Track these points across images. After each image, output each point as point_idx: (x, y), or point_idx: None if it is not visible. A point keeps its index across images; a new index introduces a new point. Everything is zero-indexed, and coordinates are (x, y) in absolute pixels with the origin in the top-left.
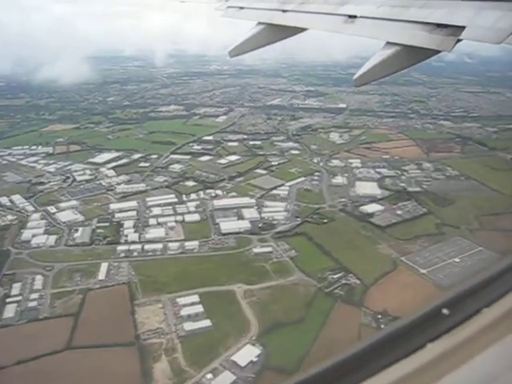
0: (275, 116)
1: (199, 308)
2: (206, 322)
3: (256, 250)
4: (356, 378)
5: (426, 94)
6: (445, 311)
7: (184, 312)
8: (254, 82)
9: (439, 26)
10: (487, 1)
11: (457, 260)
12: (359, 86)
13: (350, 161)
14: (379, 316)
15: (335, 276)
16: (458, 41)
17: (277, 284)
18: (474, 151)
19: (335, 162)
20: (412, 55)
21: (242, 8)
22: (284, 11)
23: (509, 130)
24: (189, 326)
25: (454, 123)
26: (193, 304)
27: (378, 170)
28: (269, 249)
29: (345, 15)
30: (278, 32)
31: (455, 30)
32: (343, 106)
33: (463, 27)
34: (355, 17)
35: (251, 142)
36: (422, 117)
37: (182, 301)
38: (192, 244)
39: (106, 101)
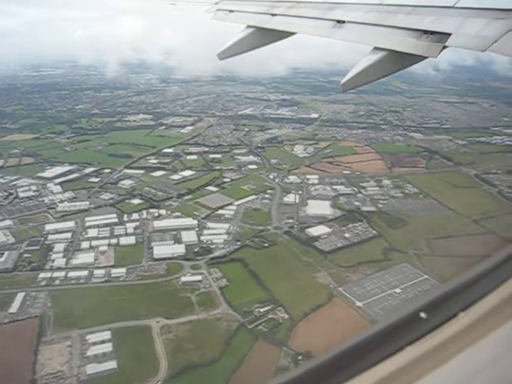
0: (243, 126)
1: (108, 347)
2: (112, 364)
3: (184, 279)
4: (336, 380)
5: (403, 103)
6: (423, 315)
7: (91, 352)
8: (231, 89)
9: (426, 32)
10: (473, 9)
11: (397, 291)
12: (347, 91)
13: (308, 176)
14: (300, 357)
15: (262, 310)
16: (444, 47)
17: (198, 318)
18: (439, 166)
19: (292, 178)
20: (399, 60)
21: (231, 11)
22: (273, 15)
23: (479, 143)
24: (92, 368)
25: (425, 135)
26: (103, 342)
27: (335, 186)
28: (198, 277)
29: (333, 20)
30: (266, 36)
31: (441, 37)
32: (315, 115)
33: (449, 34)
34: (343, 22)
35: (211, 156)
36: (394, 128)
37: (92, 338)
38: (119, 271)
39: (74, 109)
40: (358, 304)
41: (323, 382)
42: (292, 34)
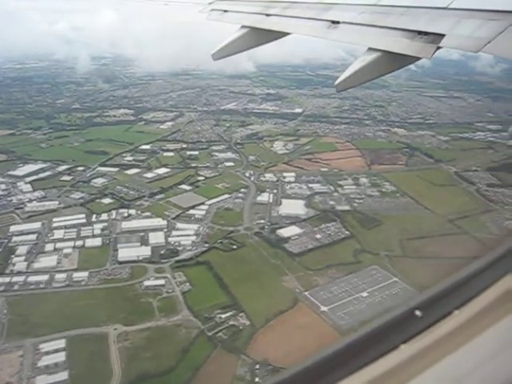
0: (224, 122)
1: (61, 356)
2: (63, 375)
3: (147, 283)
4: (331, 378)
5: (389, 98)
6: (418, 313)
7: (43, 362)
8: (216, 83)
9: (420, 33)
10: (467, 10)
11: (364, 295)
12: (341, 91)
13: (285, 174)
14: (257, 366)
15: (224, 316)
16: (438, 48)
17: (157, 325)
18: (419, 163)
19: (268, 176)
20: (393, 61)
21: (225, 11)
22: (267, 15)
23: (462, 139)
24: (42, 380)
25: (408, 131)
26: (56, 351)
27: (311, 185)
28: (161, 281)
29: (328, 21)
30: (261, 36)
31: (435, 38)
32: (299, 110)
33: (443, 35)
34: (338, 22)
35: (188, 152)
36: (378, 123)
37: (45, 347)
38: (81, 275)
39: (55, 103)
40: (323, 309)
41: (317, 381)
42: (287, 34)
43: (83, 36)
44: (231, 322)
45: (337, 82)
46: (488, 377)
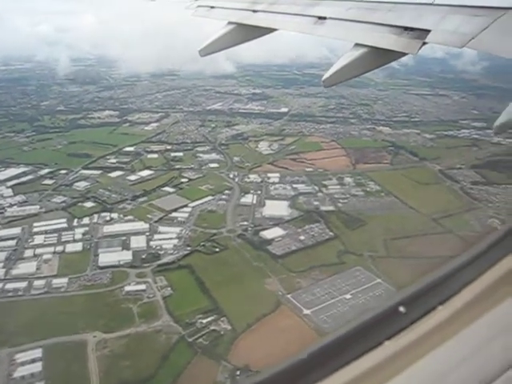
0: (209, 122)
1: (38, 366)
2: None
3: (128, 289)
4: (314, 376)
5: (374, 96)
6: (401, 309)
7: (18, 372)
8: (202, 83)
9: (406, 29)
10: (452, 6)
11: (348, 297)
12: (328, 87)
13: (270, 175)
14: (238, 372)
15: (205, 321)
16: (424, 44)
17: (137, 332)
18: (404, 162)
19: (252, 177)
20: (379, 57)
21: (212, 7)
22: (254, 11)
23: (447, 136)
24: None
25: (393, 129)
26: (33, 361)
27: (295, 185)
28: (142, 286)
29: (315, 16)
30: (248, 32)
31: (421, 34)
32: (285, 110)
33: (429, 31)
34: (325, 18)
35: (173, 154)
36: (363, 122)
37: (21, 357)
38: (60, 281)
39: (39, 105)
40: (306, 312)
41: (301, 379)
42: (273, 30)
43: (68, 37)
44: (212, 327)
45: (324, 77)
46: (474, 371)
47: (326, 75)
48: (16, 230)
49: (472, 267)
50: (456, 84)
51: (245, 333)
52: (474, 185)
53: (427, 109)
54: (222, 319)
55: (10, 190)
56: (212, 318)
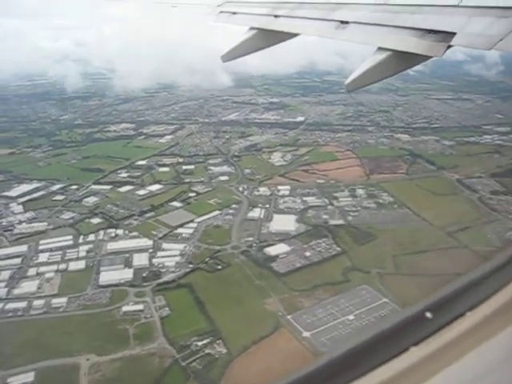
0: (224, 133)
1: None
2: None
3: (126, 309)
4: (340, 380)
5: (394, 102)
6: (428, 315)
7: None
8: (220, 93)
9: (430, 31)
10: (478, 8)
11: (351, 318)
12: (351, 91)
13: (280, 187)
14: None
15: (200, 343)
16: (449, 47)
17: (131, 354)
18: (420, 171)
19: (262, 190)
20: (403, 61)
21: (234, 13)
22: (276, 16)
23: (467, 143)
24: None
25: (412, 136)
26: None
27: (305, 198)
28: (140, 306)
29: (337, 21)
30: (270, 37)
31: (446, 36)
32: (301, 119)
33: (454, 33)
34: (347, 22)
35: (184, 167)
36: (381, 129)
37: (13, 381)
38: (60, 301)
39: (59, 119)
40: (305, 334)
41: (327, 383)
42: (295, 35)
43: (86, 52)
44: (207, 351)
45: (347, 81)
46: (502, 380)
47: (349, 79)
48: (23, 248)
49: (502, 272)
50: (480, 87)
51: (240, 357)
52: (494, 194)
53: (448, 114)
54: (217, 342)
55: (20, 206)
56: (208, 340)
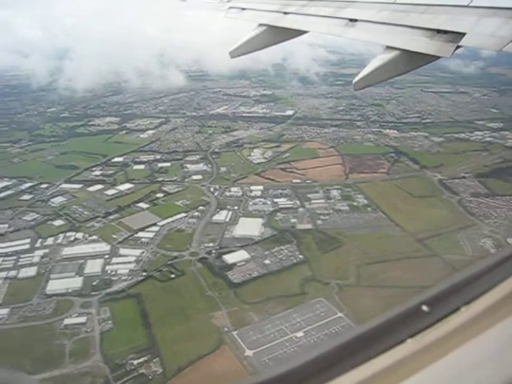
0: (208, 128)
1: None
2: None
3: (67, 322)
4: (335, 372)
5: (389, 95)
6: (425, 308)
7: None
8: (212, 85)
9: (439, 31)
10: (488, 8)
11: (299, 334)
12: (359, 90)
13: (252, 188)
14: None
15: (136, 362)
16: (458, 47)
17: (62, 374)
18: (402, 170)
19: (234, 190)
20: (411, 60)
21: (243, 9)
22: (285, 13)
23: (457, 139)
24: None
25: (401, 132)
26: None
27: (276, 199)
28: (83, 319)
29: (346, 18)
30: (278, 34)
31: (455, 37)
32: (290, 113)
33: (463, 34)
34: (356, 20)
35: (160, 165)
36: (370, 124)
37: None
38: (1, 312)
39: (45, 112)
40: (247, 353)
41: (321, 373)
42: (304, 32)
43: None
44: (142, 370)
45: (355, 80)
46: (495, 372)
47: (357, 78)
48: None
49: (499, 268)
50: (480, 80)
51: (175, 378)
52: (474, 197)
53: (442, 108)
54: (154, 360)
55: None
56: (145, 358)
